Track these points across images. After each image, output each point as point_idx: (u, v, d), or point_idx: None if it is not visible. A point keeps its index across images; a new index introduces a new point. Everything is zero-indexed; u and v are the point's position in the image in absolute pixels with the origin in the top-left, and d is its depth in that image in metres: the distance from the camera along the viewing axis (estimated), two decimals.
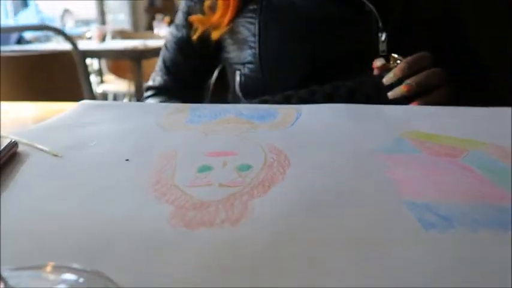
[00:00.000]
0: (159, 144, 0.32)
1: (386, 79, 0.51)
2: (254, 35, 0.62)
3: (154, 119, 0.39)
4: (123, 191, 0.24)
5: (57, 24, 4.40)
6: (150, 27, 4.61)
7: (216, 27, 0.65)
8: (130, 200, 0.22)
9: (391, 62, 0.53)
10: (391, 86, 0.51)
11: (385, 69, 0.52)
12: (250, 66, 0.63)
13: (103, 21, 4.24)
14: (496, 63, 0.69)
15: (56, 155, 0.30)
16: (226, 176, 0.25)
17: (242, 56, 0.64)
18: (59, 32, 1.40)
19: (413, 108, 0.45)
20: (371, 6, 0.57)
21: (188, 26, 0.69)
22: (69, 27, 3.89)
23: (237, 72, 0.65)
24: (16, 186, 0.25)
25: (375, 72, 0.54)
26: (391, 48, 0.57)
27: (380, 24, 0.57)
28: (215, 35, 0.66)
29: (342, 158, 0.28)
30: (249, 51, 0.63)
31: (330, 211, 0.21)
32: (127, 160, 0.29)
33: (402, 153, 0.29)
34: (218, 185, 0.24)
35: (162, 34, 2.98)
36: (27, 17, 4.52)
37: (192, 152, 0.30)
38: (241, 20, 0.64)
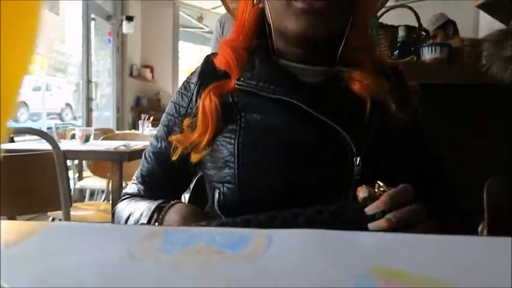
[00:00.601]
0: (128, 280, 0.32)
1: (369, 209, 0.52)
2: (233, 156, 0.63)
3: (126, 247, 0.39)
4: None
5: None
6: (135, 126, 4.76)
7: (195, 147, 0.67)
8: None
9: (376, 190, 0.54)
10: (373, 215, 0.52)
11: (370, 197, 0.54)
12: (228, 185, 0.63)
13: (88, 119, 4.36)
14: (459, 181, 0.74)
15: None
16: None
17: (221, 175, 0.64)
18: (44, 135, 1.44)
19: (389, 237, 0.46)
20: (344, 133, 0.61)
21: (167, 140, 0.71)
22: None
23: (216, 190, 0.65)
24: None
25: (359, 200, 0.55)
26: (365, 172, 0.59)
27: (354, 149, 0.60)
28: (194, 158, 0.67)
29: None
30: (228, 171, 0.63)
31: None
32: None
33: None
34: None
35: (146, 133, 3.08)
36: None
37: None
38: (221, 139, 0.65)
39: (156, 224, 0.61)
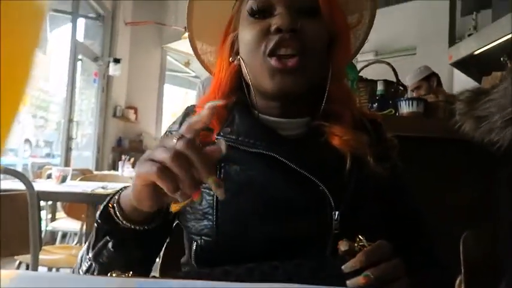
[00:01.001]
0: None
1: (346, 267, 0.51)
2: (212, 208, 0.62)
3: None
4: None
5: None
6: (114, 167, 4.68)
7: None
8: None
9: (356, 244, 0.54)
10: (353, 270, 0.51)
11: (350, 251, 0.53)
12: (206, 238, 0.62)
13: (67, 158, 4.28)
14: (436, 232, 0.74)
15: None
16: None
17: (199, 227, 0.63)
18: (17, 174, 1.40)
19: None
20: (323, 187, 0.60)
21: None
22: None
23: (193, 242, 0.63)
24: None
25: (339, 253, 0.54)
26: (343, 227, 0.59)
27: (333, 203, 0.60)
28: (174, 208, 0.65)
29: None
30: (207, 223, 0.62)
31: None
32: None
33: None
34: None
35: (126, 175, 3.03)
36: None
37: None
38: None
39: (114, 203, 0.58)
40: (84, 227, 2.12)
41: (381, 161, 0.68)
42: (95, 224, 0.60)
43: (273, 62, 0.62)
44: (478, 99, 0.71)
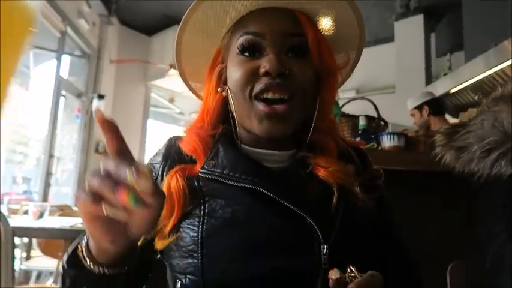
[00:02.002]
0: None
1: None
2: (196, 245, 0.59)
3: None
4: None
5: None
6: None
7: (159, 232, 0.62)
8: None
9: (347, 275, 0.53)
10: None
11: (341, 282, 0.52)
12: (191, 277, 0.59)
13: (45, 194, 4.16)
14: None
15: None
16: None
17: (184, 266, 0.60)
18: None
19: None
20: (311, 220, 0.59)
21: None
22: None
23: (178, 282, 0.61)
24: None
25: (330, 282, 0.52)
26: (332, 261, 0.57)
27: (321, 237, 0.58)
28: (160, 245, 0.62)
29: None
30: (191, 261, 0.59)
31: None
32: None
33: None
34: None
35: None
36: None
37: None
38: (184, 226, 0.62)
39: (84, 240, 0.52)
40: (61, 265, 2.03)
41: (367, 190, 0.67)
42: (61, 269, 0.55)
43: (261, 106, 0.62)
44: (456, 131, 0.74)
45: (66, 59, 4.83)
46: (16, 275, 1.91)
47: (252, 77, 0.63)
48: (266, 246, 0.58)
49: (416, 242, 0.82)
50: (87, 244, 0.52)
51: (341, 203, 0.62)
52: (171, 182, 0.63)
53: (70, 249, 0.55)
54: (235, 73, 0.65)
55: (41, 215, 1.89)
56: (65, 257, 0.54)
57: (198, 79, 0.77)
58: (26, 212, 2.39)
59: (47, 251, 2.29)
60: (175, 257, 0.62)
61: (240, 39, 0.65)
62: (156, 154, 0.72)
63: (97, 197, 0.42)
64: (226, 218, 0.60)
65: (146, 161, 0.73)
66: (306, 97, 0.65)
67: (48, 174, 4.24)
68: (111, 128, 0.46)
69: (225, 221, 0.60)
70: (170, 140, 0.73)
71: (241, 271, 0.57)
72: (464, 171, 0.72)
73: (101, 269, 0.51)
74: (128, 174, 0.40)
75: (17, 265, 2.36)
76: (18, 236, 1.81)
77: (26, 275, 2.88)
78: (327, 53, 0.68)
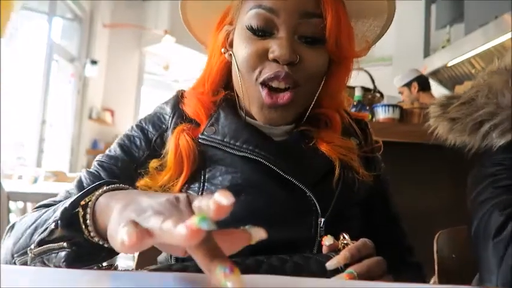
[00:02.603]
0: None
1: (329, 264, 0.50)
2: None
3: None
4: None
5: None
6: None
7: (167, 191, 0.61)
8: None
9: (340, 242, 0.54)
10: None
11: (333, 249, 0.53)
12: None
13: (39, 160, 4.16)
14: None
15: None
16: None
17: None
18: None
19: (331, 283, 0.46)
20: (310, 193, 0.59)
21: (126, 161, 0.64)
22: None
23: None
24: None
25: (323, 249, 0.54)
26: (328, 233, 0.57)
27: (319, 210, 0.59)
28: None
29: None
30: None
31: None
32: None
33: None
34: None
35: None
36: None
37: None
38: (185, 190, 0.61)
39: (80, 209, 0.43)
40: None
41: (367, 162, 0.68)
42: (53, 224, 0.45)
43: (264, 94, 0.60)
44: (451, 103, 0.74)
45: (57, 22, 4.70)
46: None
47: (259, 60, 0.60)
48: (263, 216, 0.59)
49: (408, 212, 0.84)
50: (93, 208, 0.44)
51: (341, 177, 0.62)
52: (181, 141, 0.62)
53: (69, 202, 0.45)
54: (242, 50, 0.61)
55: (35, 180, 1.90)
56: (61, 210, 0.45)
57: (202, 33, 0.74)
58: (20, 177, 2.40)
59: None
60: None
61: (252, 12, 0.60)
62: (166, 103, 0.70)
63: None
64: (226, 185, 0.60)
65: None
66: (313, 85, 0.63)
67: (41, 140, 4.22)
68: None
69: (224, 188, 0.60)
70: (178, 92, 0.71)
71: None
72: (456, 143, 0.72)
73: (101, 241, 0.44)
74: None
75: None
76: (13, 200, 1.82)
77: None
78: (345, 39, 0.62)
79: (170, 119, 0.67)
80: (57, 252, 0.45)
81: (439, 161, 1.36)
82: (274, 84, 0.59)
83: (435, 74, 3.71)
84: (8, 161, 3.53)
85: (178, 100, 0.69)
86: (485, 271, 0.57)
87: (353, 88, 1.74)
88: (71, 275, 0.42)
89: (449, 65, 3.36)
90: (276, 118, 0.61)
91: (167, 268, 0.52)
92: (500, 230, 0.54)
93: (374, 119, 1.61)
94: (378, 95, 1.82)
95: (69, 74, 4.83)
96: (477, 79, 0.74)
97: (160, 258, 0.68)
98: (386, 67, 4.79)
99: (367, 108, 1.67)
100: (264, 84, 0.60)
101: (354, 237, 0.55)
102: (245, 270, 0.51)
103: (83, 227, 0.43)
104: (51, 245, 0.45)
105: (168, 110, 0.69)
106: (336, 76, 0.66)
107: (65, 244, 0.44)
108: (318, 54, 0.61)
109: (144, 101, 6.05)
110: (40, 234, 0.47)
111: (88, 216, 0.43)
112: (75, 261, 0.44)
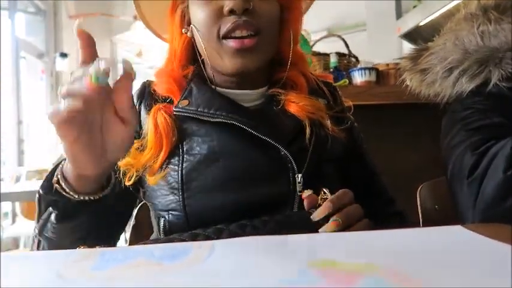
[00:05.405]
0: None
1: (314, 216, 0.54)
2: (177, 182, 0.62)
3: (56, 270, 0.36)
4: None
5: None
6: None
7: (148, 169, 0.64)
8: None
9: (320, 197, 0.57)
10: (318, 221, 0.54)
11: (314, 204, 0.56)
12: (174, 212, 0.62)
13: (20, 161, 4.07)
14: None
15: None
16: None
17: (166, 202, 0.63)
18: None
19: (318, 236, 0.48)
20: (285, 151, 0.62)
21: None
22: None
23: (161, 219, 0.63)
24: None
25: (304, 201, 0.57)
26: (307, 188, 0.60)
27: (295, 167, 0.62)
28: (152, 181, 0.63)
29: None
30: (173, 198, 0.62)
31: None
32: None
33: (305, 284, 0.30)
34: None
35: None
36: None
37: None
38: (164, 166, 0.63)
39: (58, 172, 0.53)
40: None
41: (338, 122, 0.70)
42: (37, 195, 0.55)
43: (230, 43, 0.62)
44: (421, 54, 0.75)
45: (20, 17, 4.52)
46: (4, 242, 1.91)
47: (217, 17, 0.62)
48: (243, 177, 0.61)
49: (392, 173, 0.86)
50: (62, 172, 0.53)
51: (313, 134, 0.65)
52: (159, 119, 0.64)
53: (45, 178, 0.55)
54: (199, 15, 0.64)
55: (17, 179, 1.86)
56: (40, 185, 0.55)
57: (161, 25, 0.76)
58: (2, 180, 2.35)
59: (29, 215, 2.28)
60: (158, 196, 0.64)
61: None
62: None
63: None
64: (204, 154, 0.62)
65: None
66: (273, 31, 0.66)
67: (20, 141, 4.12)
68: (89, 40, 0.47)
69: (202, 157, 0.62)
70: (144, 83, 0.73)
71: (220, 203, 0.60)
72: (430, 94, 0.74)
73: (76, 195, 0.52)
74: (93, 66, 0.42)
75: (4, 234, 2.36)
76: None
77: (16, 241, 2.90)
78: None
79: (138, 106, 0.69)
80: (50, 220, 0.55)
81: (420, 120, 1.39)
82: (237, 34, 0.62)
83: (409, 35, 3.73)
84: None
85: (144, 88, 0.72)
86: (462, 210, 0.59)
87: (328, 55, 1.74)
88: (58, 256, 0.42)
89: (421, 24, 3.38)
90: (245, 63, 0.63)
91: (154, 241, 0.53)
92: (473, 170, 0.56)
93: (351, 84, 1.63)
94: (353, 59, 1.83)
95: (39, 71, 4.68)
96: (445, 29, 0.75)
97: (153, 237, 0.69)
98: (361, 33, 4.78)
99: (344, 73, 1.68)
100: (227, 37, 0.62)
101: (333, 193, 0.56)
102: (230, 236, 0.52)
103: (59, 188, 0.52)
104: (43, 215, 0.55)
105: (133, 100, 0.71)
106: (290, 20, 0.70)
107: (50, 208, 0.54)
108: (268, 1, 0.65)
109: None
110: (36, 213, 0.57)
111: (59, 176, 0.52)
112: (64, 219, 0.54)
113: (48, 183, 0.54)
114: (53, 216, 0.55)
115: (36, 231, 0.57)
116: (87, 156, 0.46)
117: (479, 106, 0.62)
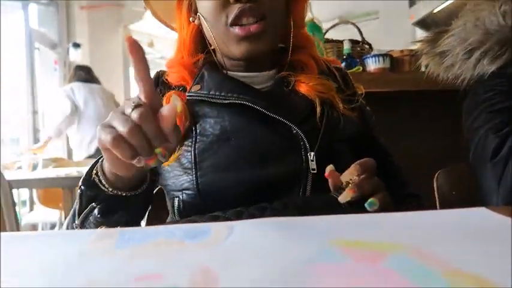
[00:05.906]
0: (81, 276, 0.30)
1: (341, 198, 0.52)
2: (191, 163, 0.63)
3: (77, 248, 0.37)
4: None
5: None
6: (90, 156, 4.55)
7: None
8: None
9: (344, 184, 0.55)
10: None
11: (337, 188, 0.55)
12: (188, 192, 0.63)
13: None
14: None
15: None
16: None
17: (179, 183, 0.64)
18: None
19: (339, 218, 0.47)
20: (297, 129, 0.63)
21: None
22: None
23: (175, 199, 0.64)
24: None
25: (326, 175, 0.55)
26: (320, 166, 0.61)
27: (308, 145, 0.62)
28: (166, 163, 0.65)
29: (273, 273, 0.28)
30: (186, 178, 0.63)
31: None
32: None
33: (330, 262, 0.30)
34: None
35: None
36: None
37: (117, 280, 0.29)
38: (178, 148, 0.65)
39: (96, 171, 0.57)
40: (63, 215, 2.08)
41: (349, 103, 0.71)
42: (78, 191, 0.60)
43: (236, 30, 0.63)
44: (439, 37, 0.73)
45: (33, 8, 4.55)
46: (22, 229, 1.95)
47: (222, 5, 0.63)
48: (255, 156, 0.62)
49: (408, 159, 0.85)
50: (102, 168, 0.57)
51: (324, 114, 0.66)
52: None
53: (85, 173, 0.60)
54: (205, 3, 0.65)
55: (34, 167, 1.90)
56: (81, 180, 0.59)
57: (169, 14, 0.77)
58: (20, 168, 2.39)
59: (46, 203, 2.32)
60: (170, 177, 0.66)
61: None
62: None
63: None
64: (216, 134, 0.64)
65: None
66: (278, 16, 0.67)
67: (36, 130, 4.18)
68: (139, 52, 0.46)
69: (215, 137, 0.64)
70: (157, 72, 0.75)
71: (234, 182, 0.61)
72: (448, 77, 0.72)
73: (114, 191, 0.57)
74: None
75: (22, 221, 2.41)
76: (16, 188, 1.82)
77: (34, 228, 2.96)
78: None
79: None
80: (91, 215, 0.59)
81: (434, 105, 1.37)
82: (243, 21, 0.63)
83: (422, 22, 3.65)
84: (4, 157, 3.51)
85: (157, 78, 0.74)
86: (486, 193, 0.58)
87: (341, 42, 1.71)
88: (78, 235, 0.42)
89: (435, 11, 3.31)
90: (252, 48, 0.64)
91: (175, 223, 0.54)
92: (496, 152, 0.55)
93: (365, 71, 1.60)
94: (367, 46, 1.80)
95: (52, 62, 4.73)
96: (464, 10, 0.73)
97: (168, 221, 0.70)
98: (374, 21, 4.71)
99: (358, 60, 1.65)
100: (234, 24, 0.63)
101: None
102: (250, 218, 0.52)
103: (98, 183, 0.57)
104: (84, 211, 0.60)
105: None
106: (295, 5, 0.71)
107: (94, 204, 0.59)
108: None
109: (133, 81, 5.96)
110: (74, 208, 0.61)
111: (99, 173, 0.57)
112: (107, 213, 0.59)
113: (88, 179, 0.58)
114: (96, 211, 0.59)
115: (77, 222, 0.61)
116: (124, 162, 0.47)
117: (502, 88, 0.60)
